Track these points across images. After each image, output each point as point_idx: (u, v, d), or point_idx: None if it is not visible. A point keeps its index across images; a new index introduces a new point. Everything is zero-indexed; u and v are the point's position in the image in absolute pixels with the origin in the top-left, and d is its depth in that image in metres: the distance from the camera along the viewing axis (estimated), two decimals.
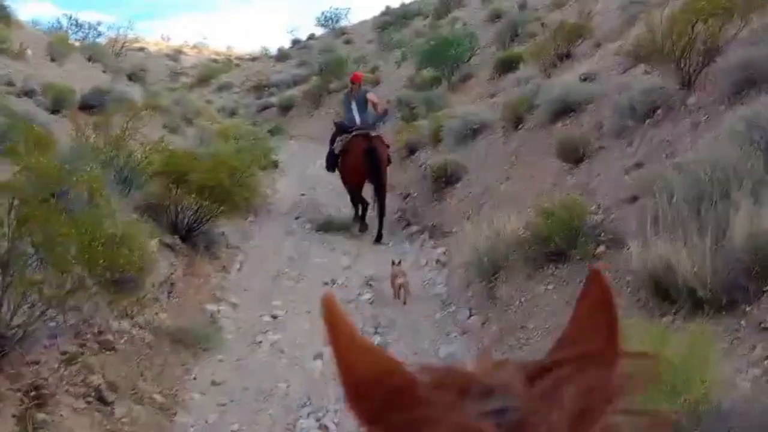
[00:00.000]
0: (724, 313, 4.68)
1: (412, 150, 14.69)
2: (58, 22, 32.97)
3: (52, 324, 5.11)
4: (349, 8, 54.51)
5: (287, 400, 5.84)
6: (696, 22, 8.35)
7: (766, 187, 5.10)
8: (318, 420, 5.63)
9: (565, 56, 14.18)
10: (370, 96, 12.29)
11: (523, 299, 6.70)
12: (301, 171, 16.59)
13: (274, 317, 7.76)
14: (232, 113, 29.26)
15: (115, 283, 6.07)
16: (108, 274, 5.18)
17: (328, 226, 11.46)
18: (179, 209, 9.05)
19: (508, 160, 10.58)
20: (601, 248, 6.45)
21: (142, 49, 54.67)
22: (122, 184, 8.90)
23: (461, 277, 8.30)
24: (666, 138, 7.72)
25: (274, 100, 29.07)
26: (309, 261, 9.92)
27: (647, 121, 8.32)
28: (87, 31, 31.61)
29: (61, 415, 4.70)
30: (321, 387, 6.03)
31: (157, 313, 6.87)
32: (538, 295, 6.51)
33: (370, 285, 8.90)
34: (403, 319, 7.79)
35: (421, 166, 13.33)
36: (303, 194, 14.46)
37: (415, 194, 12.78)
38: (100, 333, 5.90)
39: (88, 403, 4.98)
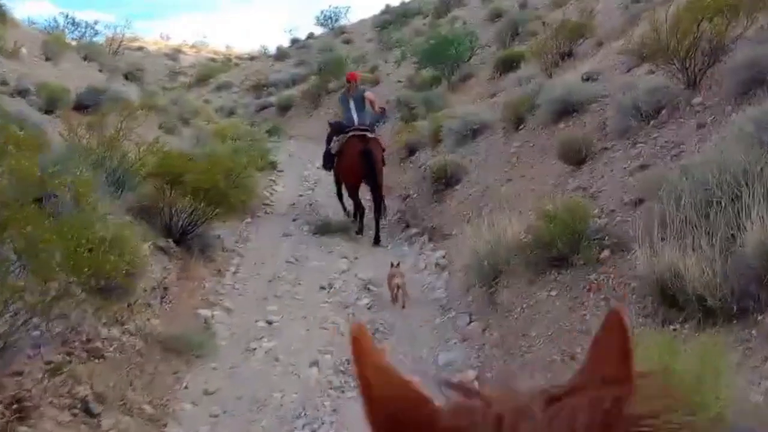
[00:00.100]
0: (734, 322, 4.51)
1: (411, 151, 14.51)
2: (55, 21, 32.68)
3: (36, 333, 4.92)
4: (349, 7, 54.28)
5: (282, 410, 5.65)
6: (701, 20, 8.18)
7: None
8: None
9: (567, 55, 14.01)
10: (368, 95, 12.16)
11: (524, 305, 6.51)
12: (299, 172, 16.39)
13: (270, 323, 7.57)
14: (231, 113, 29.05)
15: (105, 288, 5.91)
16: (93, 281, 4.97)
17: (326, 229, 11.28)
18: (173, 211, 8.86)
19: (509, 162, 10.40)
20: (605, 253, 6.26)
21: (140, 49, 54.49)
22: (115, 186, 8.70)
23: (461, 282, 8.13)
24: (671, 139, 7.54)
25: (272, 99, 28.87)
26: (306, 264, 9.74)
27: (651, 122, 8.15)
28: (84, 30, 31.32)
29: (45, 429, 4.52)
30: (316, 396, 5.85)
31: (148, 319, 6.68)
32: (540, 301, 6.32)
33: (369, 289, 8.72)
34: (401, 324, 7.62)
35: (420, 167, 13.14)
36: (301, 195, 14.29)
37: (415, 195, 12.60)
38: (89, 341, 5.71)
39: (74, 415, 4.80)
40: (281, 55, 41.79)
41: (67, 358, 5.44)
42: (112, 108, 12.12)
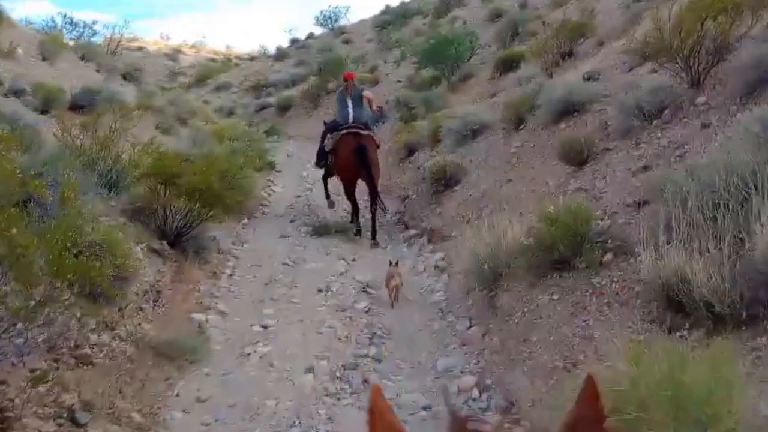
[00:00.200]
0: (743, 329, 4.34)
1: (410, 151, 14.38)
2: (53, 21, 32.50)
3: (20, 340, 4.75)
4: (349, 7, 54.07)
5: (275, 419, 5.48)
6: (705, 18, 8.03)
7: None
8: None
9: (568, 55, 13.87)
10: (366, 93, 12.05)
11: (525, 309, 6.35)
12: (298, 172, 16.25)
13: (265, 327, 7.39)
14: (230, 113, 28.97)
15: (95, 293, 5.76)
16: (77, 287, 4.81)
17: (323, 230, 11.13)
18: (168, 213, 8.71)
19: (509, 162, 10.25)
20: (608, 256, 6.09)
21: (140, 49, 54.45)
22: (108, 187, 8.55)
23: (461, 285, 7.97)
24: (675, 139, 7.38)
25: (272, 100, 28.75)
26: (303, 266, 9.58)
27: (654, 122, 8.00)
28: (82, 30, 31.13)
29: None
30: (311, 404, 5.69)
31: (140, 324, 6.52)
32: (542, 306, 6.16)
33: (367, 292, 8.57)
34: (399, 328, 7.46)
35: (419, 167, 12.99)
36: (299, 196, 14.15)
37: (414, 196, 12.46)
38: (77, 347, 5.56)
39: (59, 425, 4.63)
40: (281, 55, 41.69)
41: (54, 365, 5.28)
42: (106, 108, 11.99)
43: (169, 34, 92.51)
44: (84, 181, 7.36)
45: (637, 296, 5.44)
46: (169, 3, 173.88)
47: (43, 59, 17.51)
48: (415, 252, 10.14)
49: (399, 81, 22.16)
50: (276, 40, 58.17)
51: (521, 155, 10.17)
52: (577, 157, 8.39)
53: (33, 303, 4.36)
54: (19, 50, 16.09)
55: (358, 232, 11.12)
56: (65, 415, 4.71)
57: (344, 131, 11.31)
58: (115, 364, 5.74)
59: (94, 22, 38.23)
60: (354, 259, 9.95)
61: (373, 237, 10.88)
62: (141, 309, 6.83)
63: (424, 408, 5.66)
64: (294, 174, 16.24)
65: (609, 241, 6.26)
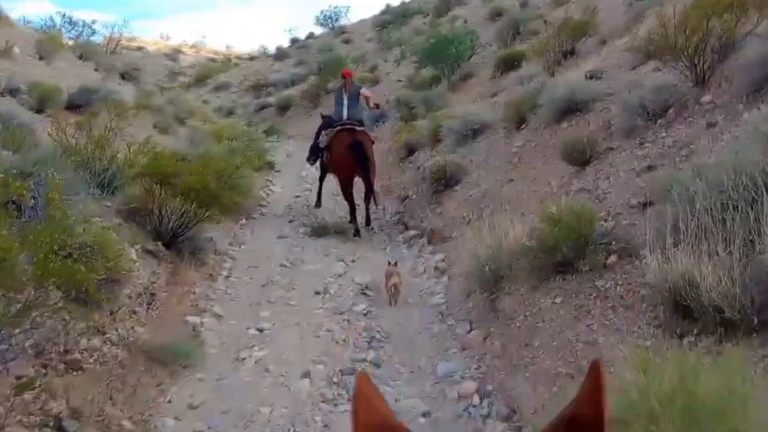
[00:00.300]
0: (754, 335, 4.18)
1: (410, 151, 14.23)
2: (51, 20, 32.34)
3: (3, 346, 4.59)
4: (349, 7, 53.83)
5: (270, 426, 5.31)
6: (711, 16, 7.87)
7: None
8: None
9: (569, 54, 13.70)
10: (363, 91, 12.10)
11: (527, 313, 6.19)
12: (297, 172, 16.09)
13: (261, 330, 7.23)
14: (230, 113, 28.86)
15: (85, 296, 5.61)
16: (62, 292, 4.66)
17: (322, 231, 10.99)
18: (163, 213, 8.55)
19: (511, 162, 10.09)
20: (612, 258, 5.93)
21: (140, 49, 54.36)
22: (101, 188, 8.40)
23: (461, 287, 7.82)
24: (680, 139, 7.23)
25: (271, 99, 28.62)
26: (301, 268, 9.43)
27: (659, 121, 7.85)
28: (81, 29, 30.98)
29: None
30: (307, 410, 5.53)
31: (132, 327, 6.37)
32: (544, 309, 6.00)
33: (365, 294, 8.42)
34: (398, 331, 7.30)
35: (419, 167, 12.84)
36: (298, 196, 14.01)
37: (414, 196, 12.31)
38: (66, 352, 5.40)
39: None
40: (281, 55, 41.61)
41: (43, 370, 5.13)
42: (102, 107, 11.85)
43: (169, 34, 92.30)
44: (76, 181, 7.20)
45: (643, 300, 5.28)
46: (168, 3, 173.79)
47: (41, 58, 17.35)
48: (414, 253, 9.99)
49: (399, 80, 22.02)
50: (276, 39, 58.15)
51: (523, 155, 10.02)
52: (580, 157, 8.24)
53: (16, 308, 4.20)
54: (16, 49, 15.94)
55: (357, 233, 10.98)
56: (52, 423, 4.56)
57: (338, 128, 11.36)
58: (106, 370, 5.59)
59: (93, 22, 38.09)
60: (353, 260, 9.80)
61: (368, 224, 11.18)
62: (134, 312, 6.69)
63: (424, 414, 5.51)
64: (293, 174, 16.10)
65: (613, 242, 6.11)
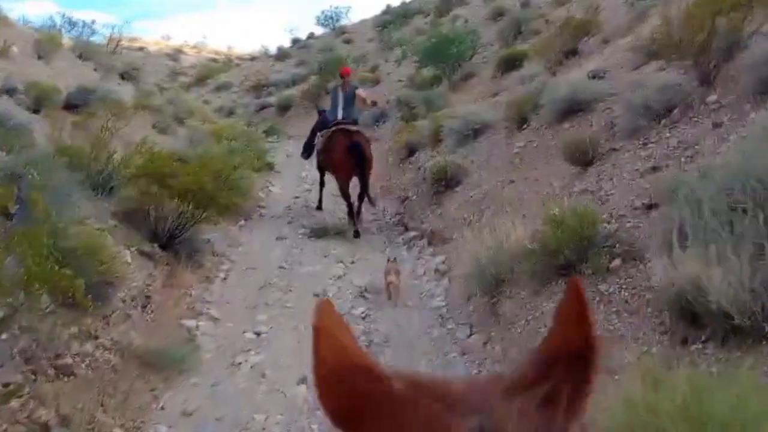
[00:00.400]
0: (764, 342, 4.04)
1: (411, 151, 14.09)
2: (51, 20, 32.18)
3: None
4: (350, 7, 53.62)
5: None
6: (717, 13, 7.73)
7: None
8: None
9: (571, 53, 13.57)
10: (359, 92, 12.03)
11: (529, 317, 6.05)
12: (296, 172, 15.96)
13: (258, 334, 7.10)
14: (230, 113, 28.76)
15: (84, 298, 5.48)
16: (47, 298, 4.52)
17: (321, 232, 10.86)
18: (160, 215, 8.42)
19: (512, 163, 9.96)
20: (616, 262, 5.80)
21: (141, 49, 54.37)
22: (94, 188, 8.28)
23: (461, 290, 7.67)
24: (685, 139, 7.09)
25: (272, 99, 28.51)
26: (300, 270, 9.29)
27: (663, 121, 7.71)
28: (81, 29, 30.82)
29: None
30: (303, 418, 5.39)
31: (126, 332, 6.23)
32: (546, 313, 5.85)
33: (364, 297, 8.29)
34: (398, 335, 7.17)
35: (420, 168, 12.70)
36: (297, 197, 13.89)
37: (414, 197, 12.17)
38: (57, 357, 5.27)
39: None
40: (282, 55, 41.51)
41: (33, 376, 5.00)
42: (100, 107, 11.74)
43: (171, 34, 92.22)
44: (69, 183, 7.07)
45: (648, 305, 5.14)
46: (169, 3, 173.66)
47: (39, 58, 17.23)
48: (414, 255, 9.86)
49: (400, 80, 21.89)
50: (277, 40, 58.15)
51: (524, 155, 9.88)
52: (583, 158, 8.10)
53: (3, 312, 4.06)
54: (14, 49, 15.82)
55: (357, 234, 10.85)
56: (38, 431, 4.43)
57: (333, 129, 11.30)
58: (98, 375, 5.46)
59: (92, 22, 37.84)
60: (352, 262, 9.67)
61: (357, 215, 11.19)
62: (129, 316, 6.55)
63: None
64: (293, 174, 15.97)
65: (617, 245, 5.97)
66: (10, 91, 12.73)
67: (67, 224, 5.95)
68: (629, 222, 6.29)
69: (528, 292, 6.31)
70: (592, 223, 6.09)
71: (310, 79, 27.65)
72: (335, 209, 12.17)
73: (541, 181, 8.71)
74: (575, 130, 9.07)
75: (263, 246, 10.39)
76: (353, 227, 10.96)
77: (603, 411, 4.09)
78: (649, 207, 6.30)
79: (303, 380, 5.93)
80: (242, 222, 11.48)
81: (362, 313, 7.73)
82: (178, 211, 8.45)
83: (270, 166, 16.33)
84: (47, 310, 4.95)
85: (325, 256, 9.86)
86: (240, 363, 6.39)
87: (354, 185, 11.11)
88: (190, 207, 8.41)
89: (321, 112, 12.68)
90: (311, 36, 44.23)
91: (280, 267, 9.34)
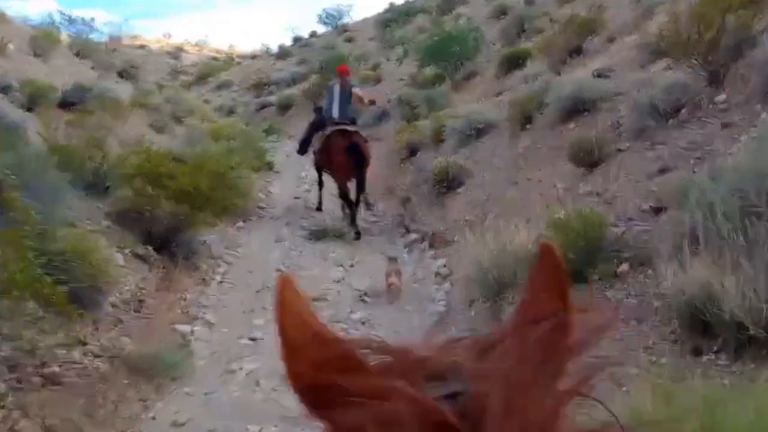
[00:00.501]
0: None
1: (412, 151, 13.86)
2: (50, 17, 32.01)
3: None
4: (352, 5, 53.36)
5: None
6: (726, 10, 7.53)
7: None
8: None
9: (576, 52, 13.36)
10: (356, 91, 11.99)
11: None
12: (296, 173, 15.76)
13: (254, 339, 6.89)
14: (231, 112, 28.60)
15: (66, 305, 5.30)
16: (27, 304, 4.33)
17: (321, 234, 10.66)
18: (155, 216, 8.22)
19: (515, 164, 9.75)
20: (624, 267, 5.60)
21: (142, 47, 54.26)
22: (88, 189, 8.09)
23: (463, 294, 7.47)
24: (694, 140, 6.89)
25: (273, 98, 28.32)
26: (298, 273, 9.07)
27: (671, 121, 7.51)
28: (80, 26, 30.64)
29: None
30: (299, 430, 5.18)
31: (117, 338, 6.04)
32: None
33: (364, 301, 8.10)
34: (397, 342, 6.95)
35: (421, 168, 12.50)
36: (297, 198, 13.70)
37: (415, 199, 11.96)
38: (44, 365, 5.08)
39: None
40: (283, 53, 41.31)
41: (18, 385, 4.81)
42: (96, 106, 11.57)
43: (172, 32, 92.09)
44: (60, 182, 6.88)
45: (656, 312, 4.95)
46: (171, 2, 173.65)
47: (36, 55, 17.06)
48: (415, 258, 9.67)
49: (401, 79, 21.65)
50: (279, 38, 58.02)
51: (528, 156, 9.68)
52: (588, 159, 7.90)
53: None
54: (11, 46, 15.65)
55: (358, 235, 10.67)
56: None
57: (330, 130, 11.16)
58: (87, 384, 5.26)
59: (92, 19, 37.59)
60: (352, 265, 9.48)
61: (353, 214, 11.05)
62: (120, 321, 6.36)
63: None
64: (293, 175, 15.78)
65: (624, 250, 5.78)
66: (5, 89, 12.57)
67: (56, 226, 5.76)
68: (637, 225, 6.09)
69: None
70: (598, 226, 5.89)
71: (311, 77, 27.44)
72: (335, 210, 11.98)
73: (546, 183, 8.52)
74: (580, 130, 8.87)
75: (261, 248, 10.20)
76: (354, 228, 10.79)
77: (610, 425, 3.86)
78: (658, 210, 6.11)
79: None
80: (240, 223, 11.29)
81: (361, 318, 7.55)
82: (174, 212, 8.25)
83: (269, 166, 16.16)
84: (33, 316, 4.75)
85: (325, 259, 9.68)
86: (234, 370, 6.18)
87: (352, 185, 10.95)
88: (186, 208, 8.22)
89: (317, 110, 12.59)
90: (313, 34, 43.98)
91: (279, 270, 9.12)
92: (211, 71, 43.42)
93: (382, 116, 18.02)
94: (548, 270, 0.76)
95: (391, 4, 39.59)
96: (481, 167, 10.62)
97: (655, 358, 4.51)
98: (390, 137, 15.82)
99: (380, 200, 12.99)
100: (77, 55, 20.59)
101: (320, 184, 12.36)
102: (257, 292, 8.32)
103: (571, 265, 5.74)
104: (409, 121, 15.79)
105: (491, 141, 11.31)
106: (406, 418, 0.60)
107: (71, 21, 31.12)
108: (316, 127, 12.01)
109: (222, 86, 38.01)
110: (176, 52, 57.67)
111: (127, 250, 7.64)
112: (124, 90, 16.81)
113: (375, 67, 25.47)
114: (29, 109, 11.84)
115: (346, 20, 42.92)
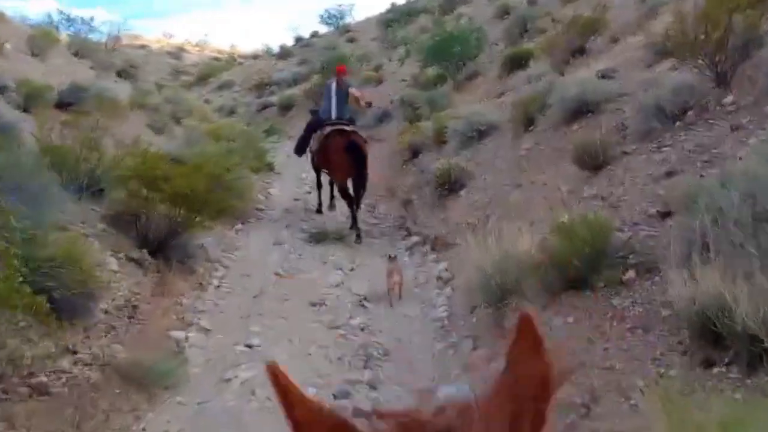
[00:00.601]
0: None
1: (414, 153, 13.70)
2: (49, 17, 31.84)
3: None
4: (354, 5, 53.19)
5: None
6: (734, 10, 7.36)
7: None
8: None
9: (579, 52, 13.19)
10: (353, 91, 11.89)
11: None
12: (296, 174, 15.57)
13: (250, 346, 6.72)
14: (232, 112, 28.45)
15: (57, 310, 5.15)
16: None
17: (321, 237, 10.49)
18: (150, 219, 8.07)
19: (518, 166, 9.58)
20: (630, 274, 5.43)
21: (143, 47, 54.11)
22: (81, 191, 7.94)
23: (465, 300, 7.30)
24: (701, 142, 6.73)
25: (274, 99, 28.16)
26: (297, 276, 8.93)
27: (677, 123, 7.34)
28: (79, 26, 30.46)
29: None
30: None
31: (109, 345, 5.87)
32: (556, 329, 5.47)
33: (363, 306, 7.94)
34: (398, 348, 6.81)
35: (423, 170, 12.33)
36: (297, 199, 13.53)
37: (416, 201, 11.79)
38: (31, 375, 4.92)
39: None
40: (285, 53, 41.15)
41: (4, 395, 4.66)
42: (93, 106, 11.41)
43: (173, 32, 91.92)
44: (52, 185, 6.72)
45: (664, 322, 4.78)
46: (172, 2, 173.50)
47: (34, 55, 16.90)
48: (416, 261, 9.50)
49: (403, 80, 21.49)
50: (281, 39, 57.85)
51: (531, 158, 9.51)
52: (592, 161, 7.73)
53: None
54: (7, 45, 15.49)
55: (359, 238, 10.52)
56: None
57: (328, 130, 11.09)
58: (76, 394, 5.10)
59: (91, 19, 37.35)
60: (352, 269, 9.32)
61: (358, 235, 10.81)
62: (112, 328, 6.19)
63: None
64: (293, 176, 15.61)
65: (630, 256, 5.60)
66: (1, 89, 12.39)
67: (47, 230, 5.60)
68: (643, 230, 5.93)
69: (535, 305, 5.93)
70: (603, 231, 5.73)
71: (312, 78, 27.28)
72: (335, 212, 11.82)
73: (549, 185, 8.35)
74: (584, 132, 8.70)
75: (260, 251, 10.03)
76: (356, 230, 10.66)
77: None
78: (665, 215, 5.94)
79: None
80: (239, 225, 11.12)
81: (361, 323, 7.38)
82: (170, 215, 8.09)
83: (270, 167, 16.00)
84: (19, 325, 4.59)
85: (324, 262, 9.52)
86: (229, 379, 5.99)
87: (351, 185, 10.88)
88: (182, 211, 8.05)
89: (313, 112, 12.59)
90: (314, 34, 43.84)
91: (277, 274, 8.97)
92: (213, 71, 43.27)
93: (383, 117, 17.87)
94: (527, 336, 0.77)
95: (393, 5, 39.45)
96: (483, 169, 10.46)
97: (664, 369, 4.34)
98: (392, 138, 15.66)
99: (381, 202, 12.84)
100: (76, 54, 20.43)
101: (319, 185, 12.23)
102: (255, 296, 8.17)
103: (575, 272, 5.61)
104: (411, 122, 15.62)
105: (494, 142, 11.15)
106: None
107: (70, 20, 30.94)
108: (313, 127, 11.89)
109: (223, 86, 37.85)
110: (177, 52, 57.50)
111: (121, 254, 7.49)
112: (123, 90, 16.63)
113: (377, 68, 25.31)
114: (25, 110, 11.69)
115: (347, 20, 42.77)
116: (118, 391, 5.42)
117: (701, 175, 6.03)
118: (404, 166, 13.81)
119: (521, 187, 8.93)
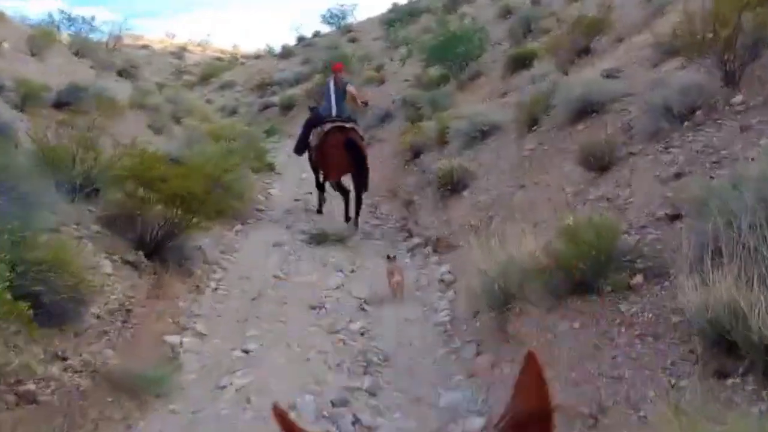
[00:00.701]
0: None
1: (416, 153, 13.55)
2: (50, 17, 31.65)
3: None
4: (356, 5, 53.06)
5: None
6: (743, 8, 7.18)
7: None
8: None
9: (584, 52, 13.01)
10: (350, 89, 11.92)
11: (541, 339, 5.49)
12: (297, 174, 15.42)
13: (247, 352, 6.54)
14: (233, 112, 28.35)
15: (45, 315, 5.00)
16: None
17: (321, 238, 10.33)
18: (146, 220, 7.90)
19: (522, 167, 9.41)
20: (638, 278, 5.25)
21: (146, 47, 54.05)
22: (80, 192, 7.78)
23: (467, 304, 7.12)
24: (710, 143, 6.54)
25: (275, 99, 28.02)
26: (296, 279, 8.77)
27: (685, 123, 7.16)
28: (80, 25, 30.28)
29: None
30: None
31: (100, 351, 5.70)
32: (561, 335, 5.32)
33: (364, 309, 7.78)
34: (398, 354, 6.64)
35: (425, 171, 12.17)
36: (297, 200, 13.39)
37: (418, 202, 11.64)
38: (19, 382, 4.75)
39: None
40: (286, 53, 41.02)
41: None
42: (92, 106, 11.27)
43: (175, 32, 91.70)
44: (44, 186, 6.55)
45: (675, 329, 4.59)
46: (174, 2, 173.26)
47: (33, 55, 16.74)
48: (418, 263, 9.34)
49: (406, 80, 21.32)
50: (283, 38, 57.74)
51: (535, 159, 9.34)
52: (598, 162, 7.55)
53: None
54: (5, 45, 15.33)
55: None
56: None
57: (328, 127, 11.13)
58: (65, 402, 4.93)
59: (92, 18, 37.11)
60: (352, 271, 9.17)
61: (355, 222, 11.10)
62: (105, 333, 6.02)
63: None
64: (293, 176, 15.47)
65: (638, 260, 5.42)
66: None
67: (37, 232, 5.43)
68: (651, 234, 5.74)
69: (540, 310, 5.76)
70: (609, 234, 5.54)
71: (314, 77, 27.15)
72: (336, 212, 11.68)
73: (553, 187, 8.18)
74: (589, 132, 8.53)
75: (259, 253, 9.86)
76: (353, 225, 10.65)
77: None
78: (674, 217, 5.76)
79: (292, 407, 5.39)
80: (239, 226, 10.97)
81: (361, 328, 7.21)
82: (166, 217, 7.92)
83: (270, 167, 15.87)
84: (6, 331, 4.43)
85: (324, 265, 9.36)
86: (224, 386, 5.80)
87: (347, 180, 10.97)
88: (179, 212, 7.89)
89: (313, 109, 12.57)
90: (316, 34, 43.71)
91: (276, 276, 8.81)
92: (215, 71, 43.14)
93: (385, 117, 17.73)
94: (532, 377, 0.85)
95: (395, 4, 39.30)
96: (486, 170, 10.30)
97: (675, 379, 4.16)
98: (394, 138, 15.52)
99: (383, 203, 12.70)
100: (76, 54, 20.28)
101: (318, 186, 12.19)
102: (253, 299, 8.01)
103: (581, 276, 5.43)
104: (414, 122, 15.46)
105: (497, 143, 10.99)
106: None
107: (71, 20, 30.77)
108: (312, 123, 11.84)
109: (225, 86, 37.73)
110: (179, 52, 57.43)
111: (116, 257, 7.32)
112: (123, 90, 16.47)
113: (379, 68, 25.14)
114: (22, 110, 11.53)
115: (349, 20, 42.61)
116: (109, 398, 5.26)
117: (711, 177, 5.86)
118: (406, 167, 13.67)
119: (525, 188, 8.77)
